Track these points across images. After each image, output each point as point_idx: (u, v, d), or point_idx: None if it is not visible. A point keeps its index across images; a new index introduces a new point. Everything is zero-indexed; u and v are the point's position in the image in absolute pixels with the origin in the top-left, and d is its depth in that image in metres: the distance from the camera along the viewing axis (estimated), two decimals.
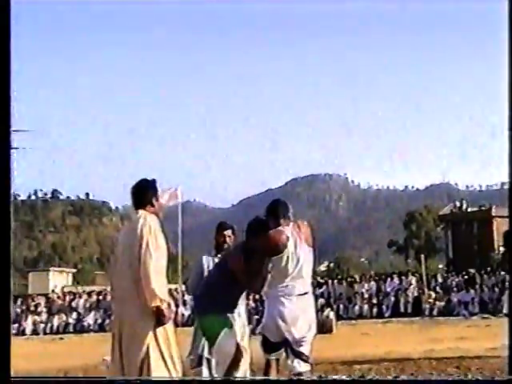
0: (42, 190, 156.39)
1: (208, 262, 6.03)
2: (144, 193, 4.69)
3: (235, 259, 5.19)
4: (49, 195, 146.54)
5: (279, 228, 5.21)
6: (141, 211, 4.62)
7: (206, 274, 5.86)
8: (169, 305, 4.44)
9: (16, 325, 26.77)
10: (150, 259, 4.35)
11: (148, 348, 4.32)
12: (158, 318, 4.34)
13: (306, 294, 5.18)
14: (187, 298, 26.26)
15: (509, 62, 4.15)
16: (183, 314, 25.17)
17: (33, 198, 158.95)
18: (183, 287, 30.18)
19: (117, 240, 4.79)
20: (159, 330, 4.37)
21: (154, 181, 4.74)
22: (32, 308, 26.87)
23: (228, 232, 6.13)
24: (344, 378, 4.74)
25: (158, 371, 4.32)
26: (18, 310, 28.08)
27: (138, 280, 4.36)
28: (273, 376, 5.11)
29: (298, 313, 5.11)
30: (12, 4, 4.29)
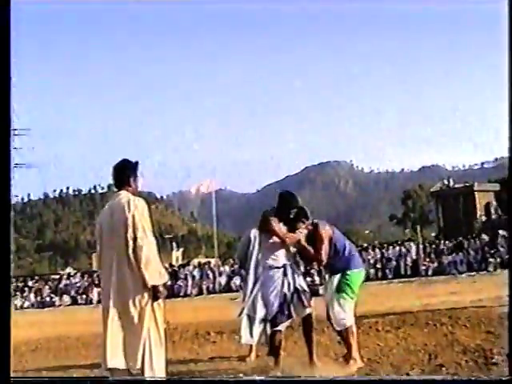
0: (100, 185, 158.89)
1: (255, 234, 5.68)
2: (124, 173, 4.16)
3: None
4: (106, 189, 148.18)
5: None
6: (123, 191, 4.12)
7: (252, 245, 5.57)
8: (164, 283, 4.00)
9: (84, 296, 27.32)
10: (145, 240, 3.92)
11: (146, 321, 3.92)
12: (155, 295, 3.94)
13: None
14: (222, 269, 26.50)
15: (509, 62, 3.84)
16: (220, 283, 25.39)
17: (93, 191, 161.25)
18: (219, 261, 30.53)
19: (102, 219, 4.17)
20: (155, 304, 3.97)
21: (135, 162, 4.23)
22: (96, 282, 27.26)
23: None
24: (344, 377, 4.64)
25: (154, 340, 3.93)
26: (86, 284, 28.56)
27: (131, 261, 3.92)
28: None
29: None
30: (12, 4, 3.92)
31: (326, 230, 5.27)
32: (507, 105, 3.82)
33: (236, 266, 23.79)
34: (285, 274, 5.20)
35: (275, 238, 5.25)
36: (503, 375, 4.15)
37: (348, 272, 5.25)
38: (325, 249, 5.20)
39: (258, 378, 4.95)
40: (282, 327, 5.16)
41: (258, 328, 5.40)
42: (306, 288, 5.27)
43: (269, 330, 5.23)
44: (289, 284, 5.19)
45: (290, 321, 5.21)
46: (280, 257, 5.25)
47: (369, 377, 4.75)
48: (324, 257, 5.21)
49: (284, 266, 5.22)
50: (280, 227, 5.22)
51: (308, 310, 5.19)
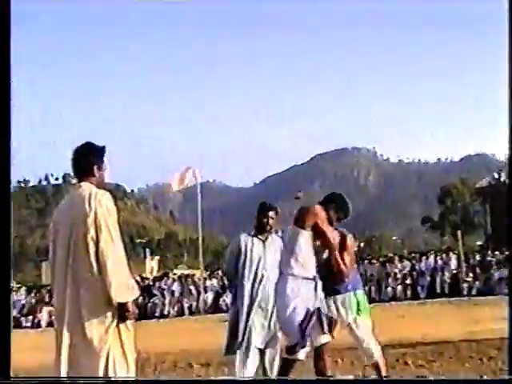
0: (53, 175, 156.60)
1: (246, 242, 5.94)
2: (88, 159, 4.14)
3: None
4: (60, 180, 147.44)
5: None
6: (85, 183, 4.08)
7: (243, 254, 5.81)
8: (134, 300, 3.95)
9: (30, 317, 27.20)
10: (111, 244, 3.88)
11: (109, 348, 3.87)
12: (122, 315, 3.88)
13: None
14: (209, 283, 26.51)
15: (509, 62, 4.23)
16: (206, 301, 25.38)
17: (44, 183, 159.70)
18: (204, 273, 30.54)
19: (56, 219, 4.14)
20: (122, 326, 3.92)
21: (101, 147, 4.20)
22: (47, 299, 27.21)
23: (271, 213, 6.03)
24: (345, 377, 4.73)
25: (120, 372, 3.88)
26: (33, 301, 28.49)
27: (93, 269, 3.88)
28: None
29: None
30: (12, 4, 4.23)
31: (351, 241, 5.43)
32: (507, 105, 4.25)
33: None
34: (315, 289, 5.13)
35: (307, 239, 5.15)
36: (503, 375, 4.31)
37: (358, 292, 5.51)
38: (351, 263, 5.36)
39: (258, 378, 5.29)
40: (302, 355, 5.05)
41: (254, 359, 5.39)
42: (326, 309, 5.23)
43: (276, 359, 5.26)
44: (320, 301, 5.14)
45: (309, 348, 5.11)
46: (311, 265, 5.17)
47: (369, 377, 4.80)
48: (349, 272, 5.35)
49: (315, 279, 5.15)
50: (327, 224, 5.22)
51: (326, 338, 5.11)
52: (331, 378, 4.69)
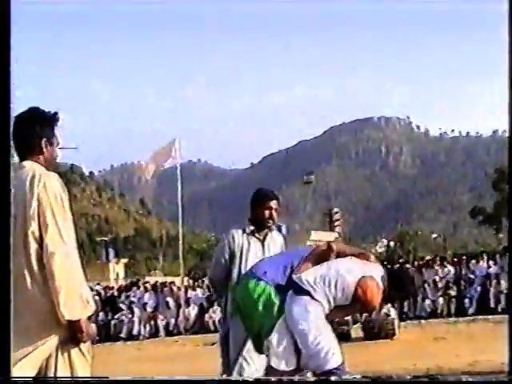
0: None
1: (240, 241, 5.96)
2: (32, 130, 4.05)
3: None
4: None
5: None
6: (27, 162, 3.99)
7: (238, 258, 5.87)
8: (89, 317, 3.93)
9: None
10: (60, 243, 3.78)
11: (55, 375, 3.84)
12: (74, 336, 3.84)
13: None
14: (192, 294, 26.54)
15: (509, 62, 4.54)
16: (188, 317, 25.44)
17: None
18: (185, 280, 30.59)
19: None
20: (73, 351, 3.89)
21: (52, 114, 4.12)
22: None
23: (274, 204, 6.08)
24: (344, 378, 4.89)
25: None
26: None
27: (35, 277, 3.82)
28: None
29: None
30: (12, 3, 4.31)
31: None
32: (507, 104, 4.52)
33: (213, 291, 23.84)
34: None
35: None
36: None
37: None
38: None
39: (258, 378, 5.39)
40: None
41: None
42: None
43: None
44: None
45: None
46: None
47: (369, 377, 4.95)
48: None
49: None
50: None
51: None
52: (332, 378, 4.84)
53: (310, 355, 5.25)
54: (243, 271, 5.77)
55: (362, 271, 5.40)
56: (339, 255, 5.54)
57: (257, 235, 6.00)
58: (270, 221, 6.01)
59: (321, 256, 5.51)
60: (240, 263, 5.88)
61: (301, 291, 5.34)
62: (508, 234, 8.72)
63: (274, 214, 6.01)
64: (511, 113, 4.43)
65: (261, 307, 5.30)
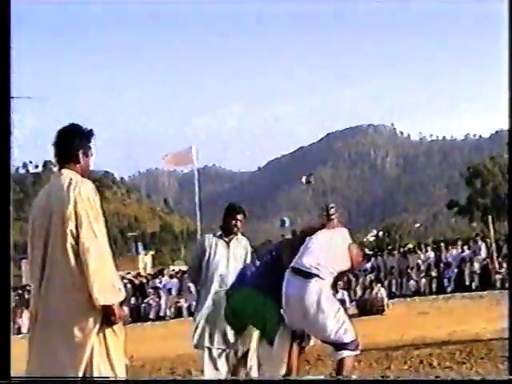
0: (31, 162, 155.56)
1: (211, 243, 6.49)
2: (72, 143, 4.10)
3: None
4: (40, 168, 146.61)
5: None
6: (66, 170, 4.06)
7: (207, 256, 6.41)
8: (121, 302, 3.96)
9: (11, 322, 27.23)
10: (93, 240, 3.84)
11: (92, 357, 3.86)
12: (107, 319, 3.87)
13: None
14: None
15: (509, 62, 4.50)
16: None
17: (22, 171, 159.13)
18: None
19: (35, 212, 4.10)
20: (108, 332, 3.92)
21: (88, 130, 4.17)
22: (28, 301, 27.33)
23: (240, 216, 6.61)
24: (343, 378, 4.84)
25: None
26: (12, 305, 28.53)
27: (73, 269, 3.85)
28: None
29: None
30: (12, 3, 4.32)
31: None
32: (507, 104, 4.54)
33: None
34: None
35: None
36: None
37: None
38: None
39: (257, 378, 5.78)
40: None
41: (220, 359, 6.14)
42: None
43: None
44: None
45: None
46: None
47: (369, 377, 4.90)
48: None
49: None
50: None
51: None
52: (332, 378, 4.89)
53: (332, 329, 5.38)
54: (211, 265, 6.39)
55: (343, 238, 5.78)
56: (309, 233, 5.84)
57: (224, 238, 6.54)
58: (235, 228, 6.59)
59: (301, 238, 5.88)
60: (209, 259, 6.42)
61: (309, 276, 5.41)
62: (508, 227, 8.75)
63: (239, 224, 6.61)
64: (511, 113, 4.28)
65: (258, 308, 5.82)
